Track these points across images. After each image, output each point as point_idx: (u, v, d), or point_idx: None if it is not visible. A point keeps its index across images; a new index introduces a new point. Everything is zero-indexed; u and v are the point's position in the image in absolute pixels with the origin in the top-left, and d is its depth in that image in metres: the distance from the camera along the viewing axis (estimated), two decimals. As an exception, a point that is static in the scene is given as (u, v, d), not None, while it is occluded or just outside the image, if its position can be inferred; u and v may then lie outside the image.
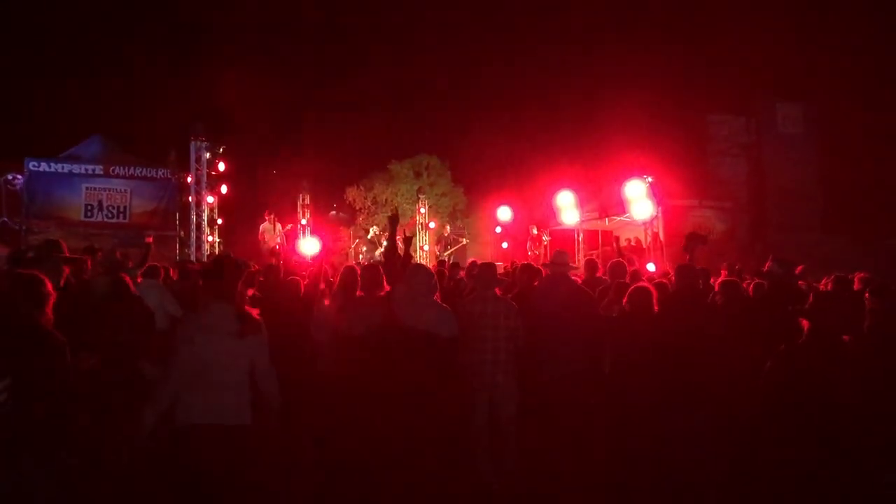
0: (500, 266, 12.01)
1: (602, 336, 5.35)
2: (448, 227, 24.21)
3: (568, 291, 5.65)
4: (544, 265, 6.13)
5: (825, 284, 6.76)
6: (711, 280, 7.33)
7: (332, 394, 4.71)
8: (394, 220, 5.27)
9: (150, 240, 7.66)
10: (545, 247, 19.45)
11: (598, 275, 7.43)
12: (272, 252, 12.91)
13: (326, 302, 5.38)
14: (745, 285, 6.48)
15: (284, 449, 4.95)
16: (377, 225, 23.87)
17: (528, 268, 6.65)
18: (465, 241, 23.84)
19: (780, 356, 3.81)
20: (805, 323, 3.81)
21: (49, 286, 3.15)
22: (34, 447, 2.95)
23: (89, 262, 6.32)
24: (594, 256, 14.67)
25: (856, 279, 6.56)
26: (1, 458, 2.82)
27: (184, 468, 3.25)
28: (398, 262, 4.99)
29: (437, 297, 4.85)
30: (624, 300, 5.02)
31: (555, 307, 5.45)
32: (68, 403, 3.13)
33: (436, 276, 4.98)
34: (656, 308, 4.92)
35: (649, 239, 14.55)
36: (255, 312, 3.51)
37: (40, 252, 4.59)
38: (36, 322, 3.04)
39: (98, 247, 7.95)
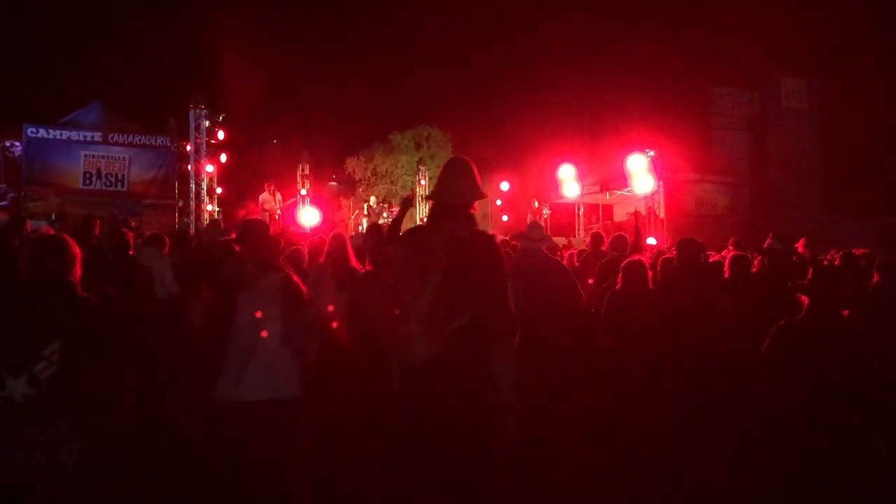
0: (500, 238, 11.99)
1: (582, 307, 5.33)
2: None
3: (540, 263, 5.42)
4: (515, 237, 5.98)
5: (832, 260, 6.78)
6: (719, 255, 7.34)
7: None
8: (407, 203, 5.13)
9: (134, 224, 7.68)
10: (546, 220, 19.44)
11: (603, 248, 7.43)
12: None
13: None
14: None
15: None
16: (375, 196, 23.70)
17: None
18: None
19: (778, 332, 3.83)
20: (804, 299, 3.82)
21: (77, 249, 3.12)
22: (76, 410, 2.95)
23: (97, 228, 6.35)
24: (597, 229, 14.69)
25: (860, 256, 6.59)
26: (39, 419, 2.81)
27: (231, 443, 3.20)
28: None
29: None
30: (619, 274, 5.01)
31: (529, 282, 5.25)
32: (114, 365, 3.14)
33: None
34: (651, 282, 4.92)
35: (651, 212, 14.55)
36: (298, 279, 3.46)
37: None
38: (73, 285, 3.02)
39: (96, 214, 7.96)
